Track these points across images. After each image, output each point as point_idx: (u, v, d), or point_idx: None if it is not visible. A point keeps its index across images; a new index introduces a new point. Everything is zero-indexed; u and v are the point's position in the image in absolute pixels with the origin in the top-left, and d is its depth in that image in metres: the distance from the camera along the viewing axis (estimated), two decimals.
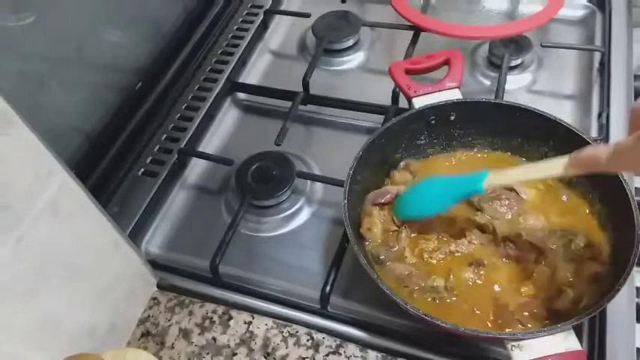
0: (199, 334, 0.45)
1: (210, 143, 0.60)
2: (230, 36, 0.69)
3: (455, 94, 0.49)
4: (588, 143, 0.44)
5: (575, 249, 0.43)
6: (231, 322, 0.46)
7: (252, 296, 0.47)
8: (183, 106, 0.62)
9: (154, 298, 0.48)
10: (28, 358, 0.35)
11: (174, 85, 0.63)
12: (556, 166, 0.38)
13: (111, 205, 0.54)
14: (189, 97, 0.63)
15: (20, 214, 0.32)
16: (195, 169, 0.58)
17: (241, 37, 0.68)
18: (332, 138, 0.59)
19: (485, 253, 0.44)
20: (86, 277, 0.39)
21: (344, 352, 0.43)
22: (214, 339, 0.45)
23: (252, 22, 0.70)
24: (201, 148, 0.59)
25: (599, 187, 0.44)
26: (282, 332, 0.45)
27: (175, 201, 0.56)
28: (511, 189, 0.47)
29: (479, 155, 0.51)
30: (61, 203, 0.35)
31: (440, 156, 0.51)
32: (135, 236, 0.51)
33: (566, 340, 0.37)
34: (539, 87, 0.61)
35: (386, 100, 0.58)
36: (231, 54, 0.66)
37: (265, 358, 0.43)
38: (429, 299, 0.42)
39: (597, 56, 0.61)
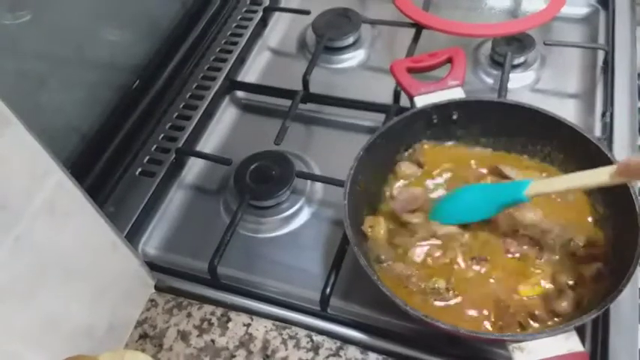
0: (198, 336, 0.45)
1: (209, 142, 0.60)
2: (229, 33, 0.68)
3: (457, 93, 0.49)
4: (592, 143, 0.44)
5: (575, 247, 0.42)
6: (230, 324, 0.45)
7: (251, 298, 0.46)
8: (181, 105, 0.61)
9: (152, 300, 0.47)
10: (27, 357, 0.35)
11: (171, 83, 0.62)
12: (602, 174, 0.38)
13: (108, 206, 0.53)
14: (187, 95, 0.62)
15: (17, 214, 0.32)
16: (193, 168, 0.58)
17: (240, 35, 0.68)
18: (332, 137, 0.59)
19: (487, 251, 0.43)
20: (84, 277, 0.39)
21: (344, 354, 0.43)
22: (213, 341, 0.45)
23: (251, 19, 0.69)
24: (199, 148, 0.59)
25: (602, 186, 0.44)
26: (282, 334, 0.44)
27: (173, 201, 0.55)
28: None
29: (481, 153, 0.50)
30: (58, 203, 0.34)
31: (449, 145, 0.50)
32: (132, 237, 0.51)
33: (568, 342, 0.37)
34: (543, 85, 0.60)
35: (387, 98, 0.58)
36: (230, 52, 0.66)
37: None
38: (429, 300, 0.41)
39: (601, 55, 0.60)
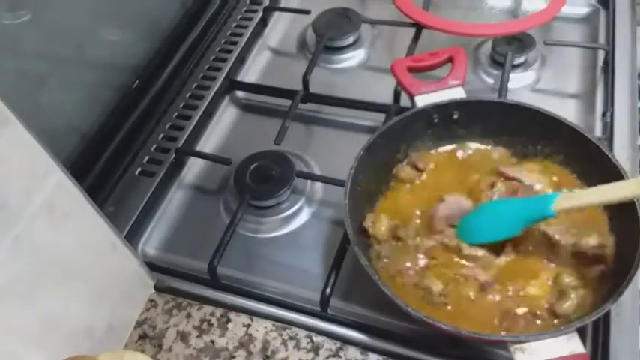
0: (197, 336, 0.45)
1: (209, 142, 0.60)
2: (229, 33, 0.68)
3: (458, 92, 0.49)
4: (592, 143, 0.44)
5: (585, 247, 0.42)
6: (230, 325, 0.45)
7: (251, 298, 0.46)
8: (181, 105, 0.61)
9: (152, 300, 0.47)
10: (26, 357, 0.35)
11: (171, 83, 0.62)
12: (631, 187, 0.37)
13: (107, 206, 0.53)
14: (187, 95, 0.62)
15: (16, 214, 0.32)
16: (193, 168, 0.58)
17: (240, 35, 0.67)
18: (332, 137, 0.58)
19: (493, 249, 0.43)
20: (83, 277, 0.39)
21: (344, 354, 0.43)
22: (212, 342, 0.45)
23: (250, 19, 0.69)
24: (199, 148, 0.59)
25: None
26: (282, 335, 0.44)
27: (173, 201, 0.55)
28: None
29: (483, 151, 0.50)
30: (58, 203, 0.34)
31: (445, 150, 0.50)
32: (132, 237, 0.51)
33: (569, 343, 0.36)
34: (543, 85, 0.60)
35: (387, 98, 0.58)
36: (230, 52, 0.66)
37: None
38: (423, 298, 0.41)
39: (601, 54, 0.60)
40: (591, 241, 0.42)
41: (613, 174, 0.42)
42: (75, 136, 0.54)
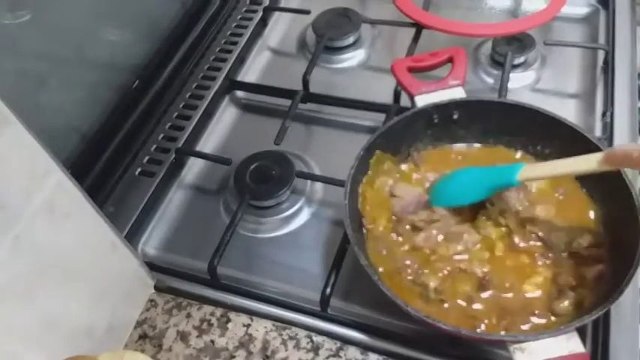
0: (197, 336, 0.45)
1: (209, 142, 0.60)
2: (228, 33, 0.68)
3: (458, 92, 0.49)
4: (592, 143, 0.44)
5: (578, 247, 0.42)
6: (230, 325, 0.45)
7: (250, 298, 0.46)
8: (181, 105, 0.61)
9: (152, 300, 0.47)
10: (26, 357, 0.34)
11: (171, 83, 0.62)
12: (589, 161, 0.38)
13: (107, 206, 0.53)
14: (187, 95, 0.62)
15: (16, 214, 0.32)
16: (193, 168, 0.58)
17: (240, 35, 0.67)
18: (332, 137, 0.58)
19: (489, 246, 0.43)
20: (83, 277, 0.39)
21: (344, 354, 0.43)
22: (212, 342, 0.45)
23: (250, 19, 0.69)
24: (199, 148, 0.59)
25: (603, 187, 0.44)
26: (282, 335, 0.44)
27: (173, 201, 0.55)
28: None
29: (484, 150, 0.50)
30: (58, 203, 0.34)
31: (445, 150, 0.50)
32: (132, 237, 0.51)
33: (569, 343, 0.36)
34: (543, 85, 0.60)
35: (387, 98, 0.58)
36: (230, 52, 0.66)
37: None
38: (420, 295, 0.41)
39: (601, 54, 0.60)
40: (583, 241, 0.42)
41: (612, 174, 0.42)
42: (75, 136, 0.54)
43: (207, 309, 0.46)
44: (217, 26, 0.68)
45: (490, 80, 0.61)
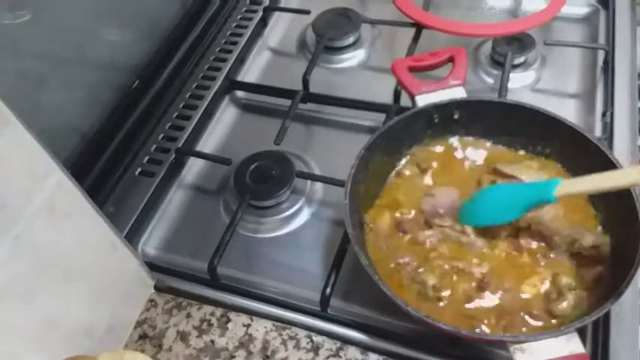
0: (197, 336, 0.45)
1: (209, 142, 0.60)
2: (228, 33, 0.68)
3: (459, 92, 0.49)
4: (592, 143, 0.44)
5: (580, 247, 0.42)
6: (230, 325, 0.45)
7: (250, 298, 0.46)
8: (181, 105, 0.61)
9: (152, 300, 0.47)
10: (26, 358, 0.34)
11: (171, 83, 0.62)
12: (630, 175, 0.38)
13: (107, 206, 0.53)
14: (187, 95, 0.62)
15: (16, 214, 0.32)
16: (193, 168, 0.58)
17: (240, 35, 0.67)
18: (332, 137, 0.58)
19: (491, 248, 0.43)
20: (83, 277, 0.39)
21: (344, 354, 0.43)
22: (212, 342, 0.45)
23: (250, 19, 0.69)
24: (199, 148, 0.59)
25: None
26: (282, 335, 0.44)
27: (173, 201, 0.55)
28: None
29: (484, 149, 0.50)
30: (58, 203, 0.34)
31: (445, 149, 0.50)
32: (132, 237, 0.51)
33: (569, 343, 0.36)
34: (543, 85, 0.60)
35: (387, 98, 0.58)
36: (230, 52, 0.66)
37: None
38: (418, 293, 0.41)
39: (601, 54, 0.60)
40: (586, 241, 0.42)
41: None
42: (75, 136, 0.54)
43: (207, 309, 0.46)
44: (217, 26, 0.68)
45: (490, 80, 0.61)
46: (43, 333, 0.36)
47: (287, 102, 0.58)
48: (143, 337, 0.46)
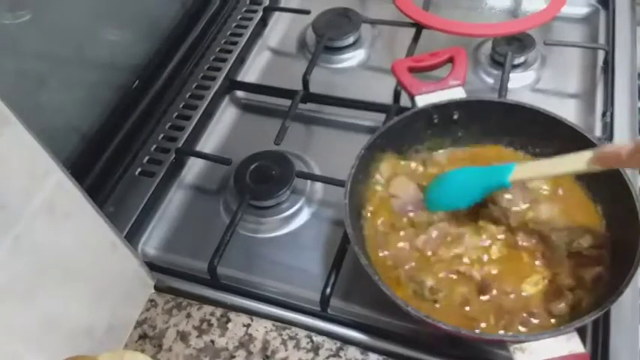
0: (197, 336, 0.45)
1: (209, 142, 0.60)
2: (228, 33, 0.68)
3: (458, 92, 0.49)
4: (592, 143, 0.44)
5: (579, 247, 0.42)
6: (230, 325, 0.45)
7: (250, 298, 0.46)
8: (181, 105, 0.61)
9: (152, 300, 0.47)
10: (26, 358, 0.34)
11: (171, 83, 0.62)
12: (579, 161, 0.38)
13: (107, 206, 0.53)
14: (187, 95, 0.62)
15: (16, 214, 0.32)
16: (193, 168, 0.58)
17: (240, 35, 0.67)
18: (332, 137, 0.58)
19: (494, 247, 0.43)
20: (83, 277, 0.39)
21: (344, 354, 0.43)
22: (212, 342, 0.45)
23: (250, 19, 0.69)
24: (199, 148, 0.59)
25: (603, 187, 0.44)
26: (282, 335, 0.44)
27: (173, 201, 0.55)
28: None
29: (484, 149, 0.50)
30: (58, 203, 0.34)
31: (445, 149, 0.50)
32: (132, 237, 0.51)
33: (569, 343, 0.36)
34: (543, 85, 0.60)
35: (387, 98, 0.58)
36: (230, 52, 0.66)
37: None
38: (414, 292, 0.42)
39: (601, 54, 0.60)
40: (584, 242, 0.42)
41: (612, 174, 0.42)
42: (75, 136, 0.54)
43: (207, 309, 0.46)
44: (217, 26, 0.68)
45: (490, 80, 0.61)
46: (43, 333, 0.36)
47: (287, 102, 0.58)
48: (143, 337, 0.46)
